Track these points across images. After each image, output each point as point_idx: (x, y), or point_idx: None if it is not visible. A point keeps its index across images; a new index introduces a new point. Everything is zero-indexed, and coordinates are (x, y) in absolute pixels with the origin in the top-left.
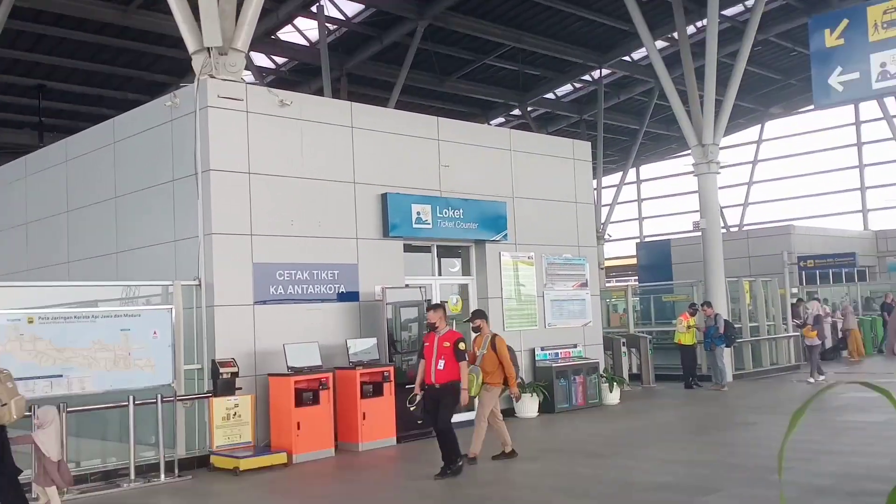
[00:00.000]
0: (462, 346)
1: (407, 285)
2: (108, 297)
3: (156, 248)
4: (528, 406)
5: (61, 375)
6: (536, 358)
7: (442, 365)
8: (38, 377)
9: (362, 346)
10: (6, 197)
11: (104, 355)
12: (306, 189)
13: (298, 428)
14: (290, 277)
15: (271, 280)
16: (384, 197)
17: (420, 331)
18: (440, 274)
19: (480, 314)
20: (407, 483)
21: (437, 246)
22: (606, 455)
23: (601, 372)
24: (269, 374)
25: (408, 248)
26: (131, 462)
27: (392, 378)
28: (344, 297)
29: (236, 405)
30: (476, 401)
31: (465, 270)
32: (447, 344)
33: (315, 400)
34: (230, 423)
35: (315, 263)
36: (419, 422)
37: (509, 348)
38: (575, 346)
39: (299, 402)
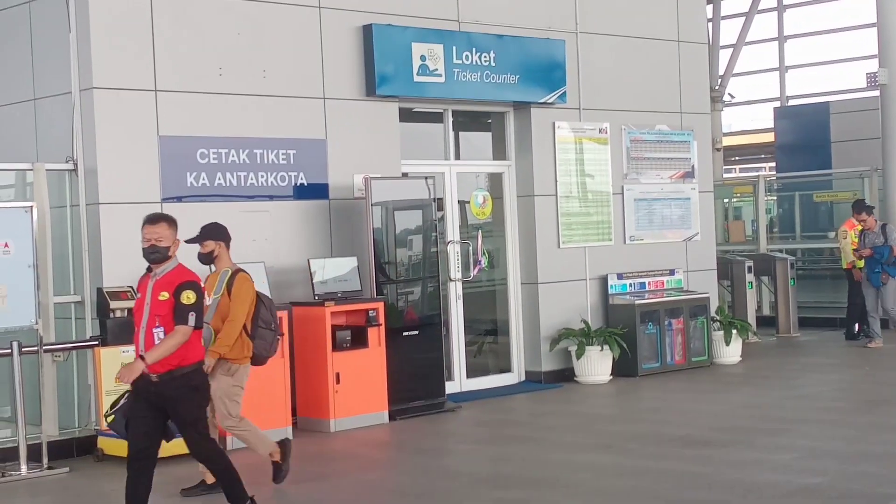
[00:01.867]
0: (190, 297)
1: (406, 174)
2: None
3: (1, 111)
4: (596, 365)
5: None
6: (610, 291)
7: (161, 335)
8: None
9: (334, 271)
10: None
11: None
12: (243, 17)
13: None
14: (218, 160)
15: (189, 164)
16: (368, 30)
17: (427, 247)
18: (458, 157)
19: (216, 231)
20: (399, 498)
21: (454, 112)
22: (717, 444)
23: (713, 314)
24: None
25: (407, 116)
26: None
27: (382, 320)
28: (305, 192)
29: None
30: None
31: (499, 152)
32: (164, 295)
33: None
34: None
35: (259, 138)
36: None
37: (261, 297)
38: (672, 272)
39: None
